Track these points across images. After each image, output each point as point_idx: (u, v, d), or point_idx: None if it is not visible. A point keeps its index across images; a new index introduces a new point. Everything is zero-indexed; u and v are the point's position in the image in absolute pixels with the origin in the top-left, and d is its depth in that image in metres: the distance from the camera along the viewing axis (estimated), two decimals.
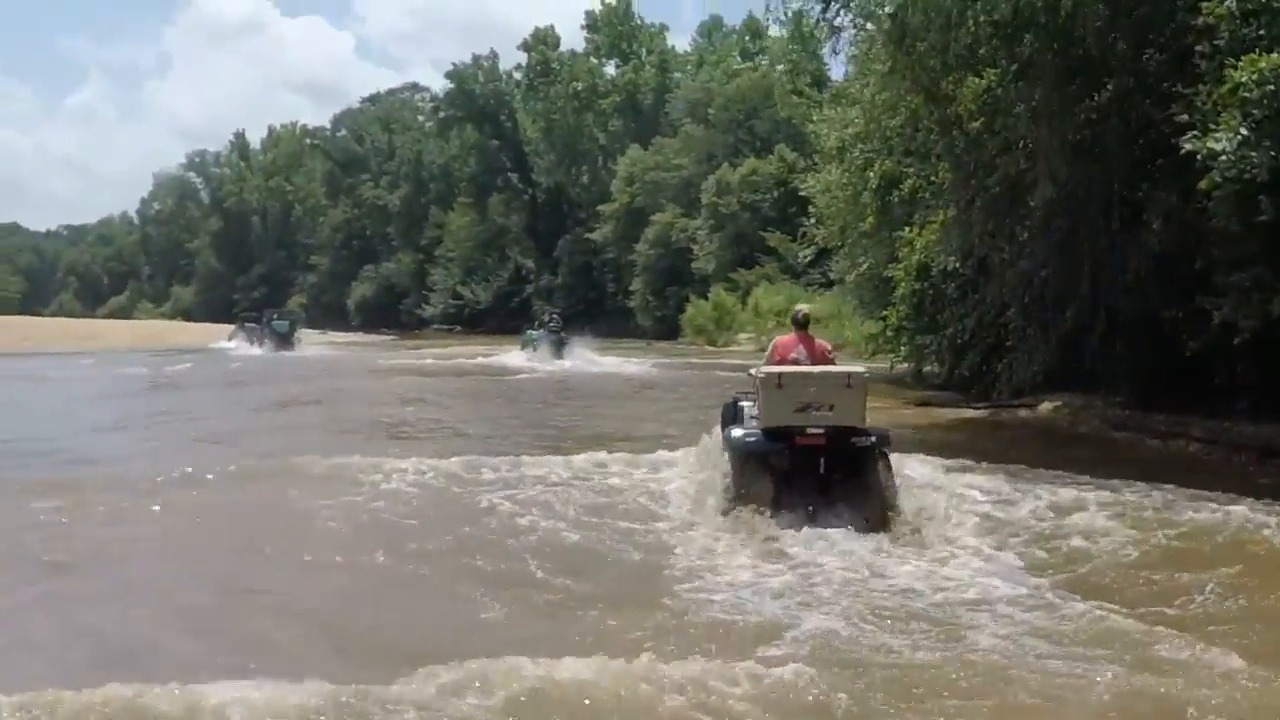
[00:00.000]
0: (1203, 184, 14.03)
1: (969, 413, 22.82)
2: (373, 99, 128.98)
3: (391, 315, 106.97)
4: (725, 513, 11.24)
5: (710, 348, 55.21)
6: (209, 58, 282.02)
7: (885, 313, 28.03)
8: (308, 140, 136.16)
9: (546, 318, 46.49)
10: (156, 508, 12.31)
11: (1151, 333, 17.90)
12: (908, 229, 25.55)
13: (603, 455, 15.20)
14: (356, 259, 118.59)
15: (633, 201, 77.53)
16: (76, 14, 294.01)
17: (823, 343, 12.55)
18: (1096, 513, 11.77)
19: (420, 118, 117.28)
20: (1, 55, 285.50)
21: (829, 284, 53.54)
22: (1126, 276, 17.28)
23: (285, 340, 50.36)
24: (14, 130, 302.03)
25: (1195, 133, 13.97)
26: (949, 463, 14.71)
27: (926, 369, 27.59)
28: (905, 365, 28.90)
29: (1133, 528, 11.13)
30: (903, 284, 25.77)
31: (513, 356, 42.73)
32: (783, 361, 12.01)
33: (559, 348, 41.84)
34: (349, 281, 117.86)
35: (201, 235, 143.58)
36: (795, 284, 56.34)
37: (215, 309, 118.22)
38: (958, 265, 22.58)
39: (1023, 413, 21.83)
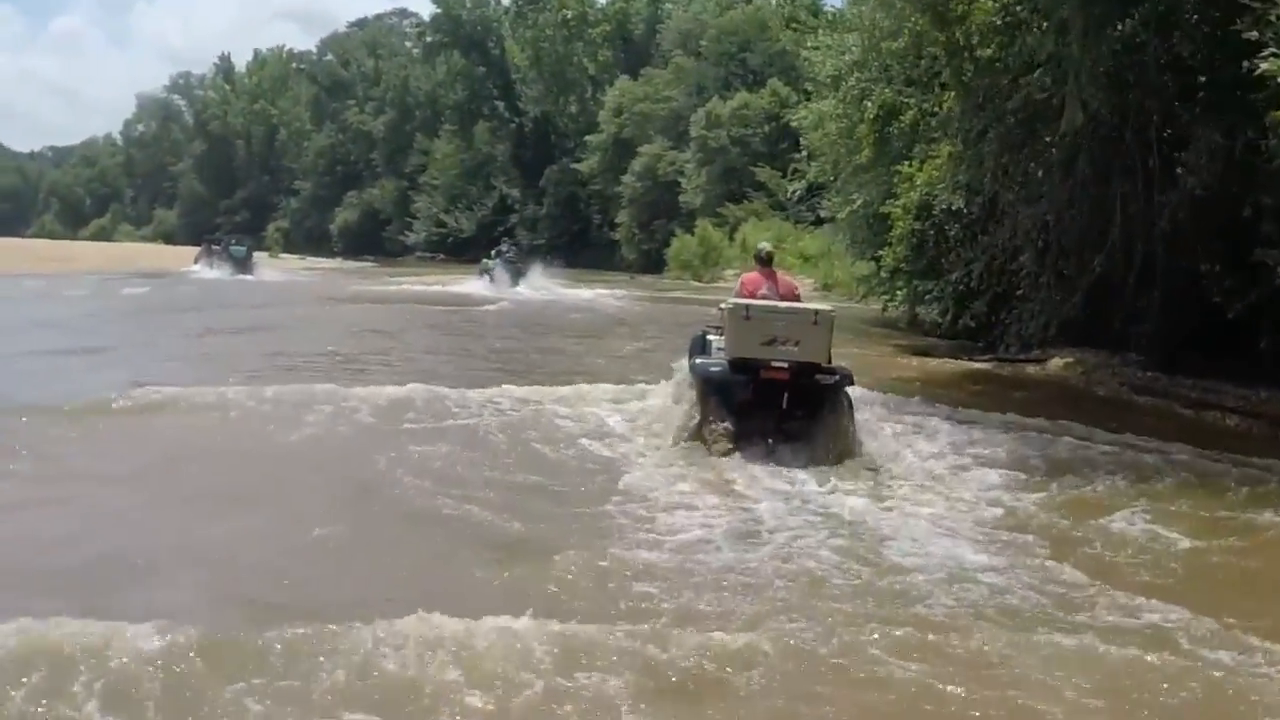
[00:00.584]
0: (1276, 114, 11.89)
1: (971, 365, 20.92)
2: (360, 24, 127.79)
3: (375, 242, 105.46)
4: (685, 439, 11.38)
5: (695, 283, 53.63)
6: None
7: (881, 253, 26.05)
8: (293, 64, 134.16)
9: (504, 247, 47.30)
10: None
11: (1186, 287, 16.02)
12: (907, 164, 23.59)
13: (563, 389, 14.69)
14: (340, 185, 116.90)
15: (620, 133, 75.87)
16: None
17: (788, 279, 12.73)
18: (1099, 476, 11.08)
19: (408, 44, 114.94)
20: None
21: (819, 221, 52.34)
22: (1162, 223, 15.24)
23: (242, 264, 50.49)
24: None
25: (1273, 50, 11.71)
26: (948, 412, 14.23)
27: (925, 315, 25.61)
28: (900, 310, 27.13)
29: (1142, 497, 10.24)
30: (901, 223, 23.64)
31: (469, 284, 42.81)
32: (751, 296, 11.96)
33: (515, 276, 42.36)
34: (333, 208, 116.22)
35: (185, 158, 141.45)
36: (785, 220, 55.02)
37: (198, 232, 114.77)
38: (963, 204, 20.66)
39: (1031, 369, 20.12)
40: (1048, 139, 16.16)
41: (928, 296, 24.22)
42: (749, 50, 69.66)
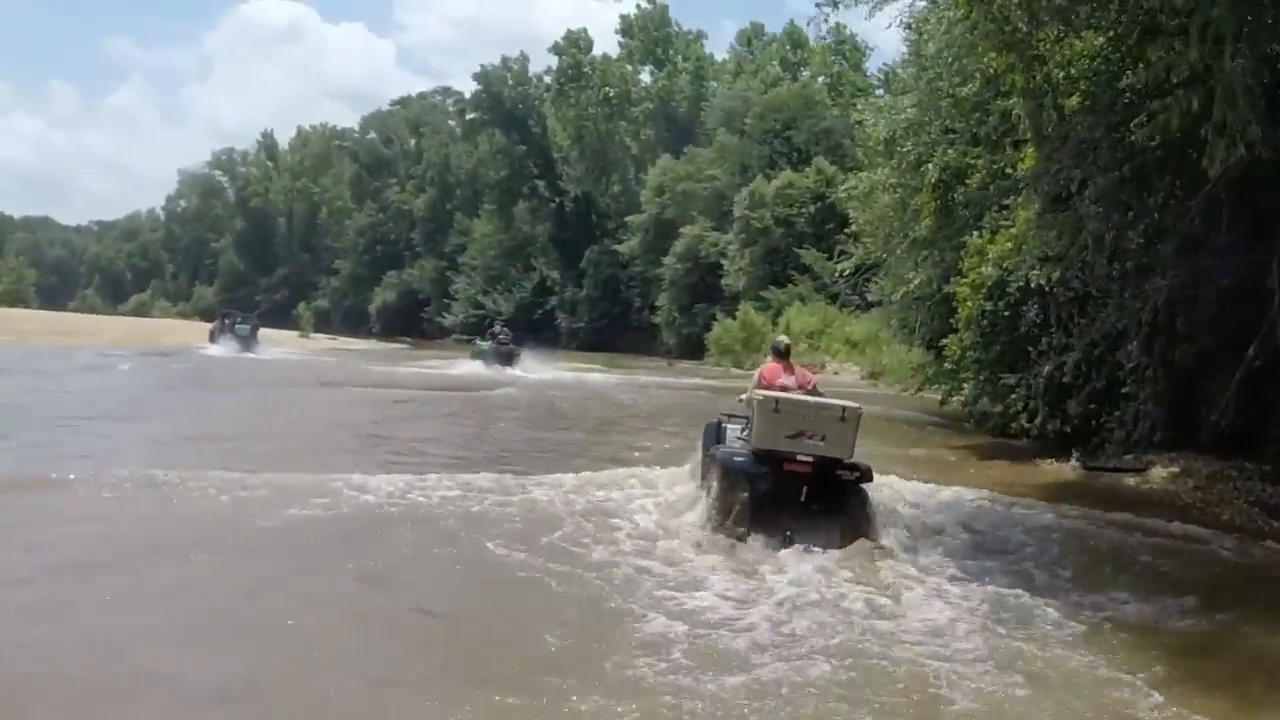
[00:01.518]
0: None
1: (1053, 471, 17.55)
2: (402, 102, 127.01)
3: (413, 323, 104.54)
4: (707, 528, 11.34)
5: (736, 370, 50.91)
6: (250, 63, 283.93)
7: (945, 340, 22.41)
8: (336, 142, 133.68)
9: (496, 329, 48.23)
10: None
11: None
12: (976, 234, 20.60)
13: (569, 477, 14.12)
14: (380, 264, 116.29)
15: (662, 213, 73.79)
16: (120, 16, 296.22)
17: (805, 371, 12.72)
18: None
19: (450, 122, 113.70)
20: (45, 54, 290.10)
21: (866, 305, 50.11)
22: None
23: (245, 342, 50.39)
24: (55, 128, 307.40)
25: None
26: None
27: (992, 410, 21.52)
28: (965, 403, 23.04)
29: None
30: (968, 303, 20.24)
31: (465, 366, 44.21)
32: (771, 388, 11.91)
33: (507, 359, 43.65)
34: (372, 287, 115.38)
35: (225, 235, 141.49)
36: (830, 305, 52.51)
37: (237, 310, 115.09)
38: (1045, 280, 17.12)
39: (1131, 479, 16.28)
40: (1169, 194, 12.89)
41: (1005, 390, 20.10)
42: (794, 128, 67.53)
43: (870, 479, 11.44)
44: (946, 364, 22.78)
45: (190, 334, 59.87)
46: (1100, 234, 13.70)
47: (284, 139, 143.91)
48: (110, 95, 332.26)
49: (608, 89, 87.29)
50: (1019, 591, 9.71)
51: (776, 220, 59.75)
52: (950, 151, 20.70)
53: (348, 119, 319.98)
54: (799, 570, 10.05)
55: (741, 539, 10.93)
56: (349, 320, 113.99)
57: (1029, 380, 18.75)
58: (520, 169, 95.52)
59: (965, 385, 22.01)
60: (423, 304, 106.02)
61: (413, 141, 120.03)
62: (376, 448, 17.69)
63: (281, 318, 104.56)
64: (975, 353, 20.54)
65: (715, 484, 11.59)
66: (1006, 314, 19.13)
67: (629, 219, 79.13)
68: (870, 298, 48.96)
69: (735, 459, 11.52)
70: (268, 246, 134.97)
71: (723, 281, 63.46)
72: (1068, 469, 17.61)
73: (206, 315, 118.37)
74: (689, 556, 10.42)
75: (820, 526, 11.14)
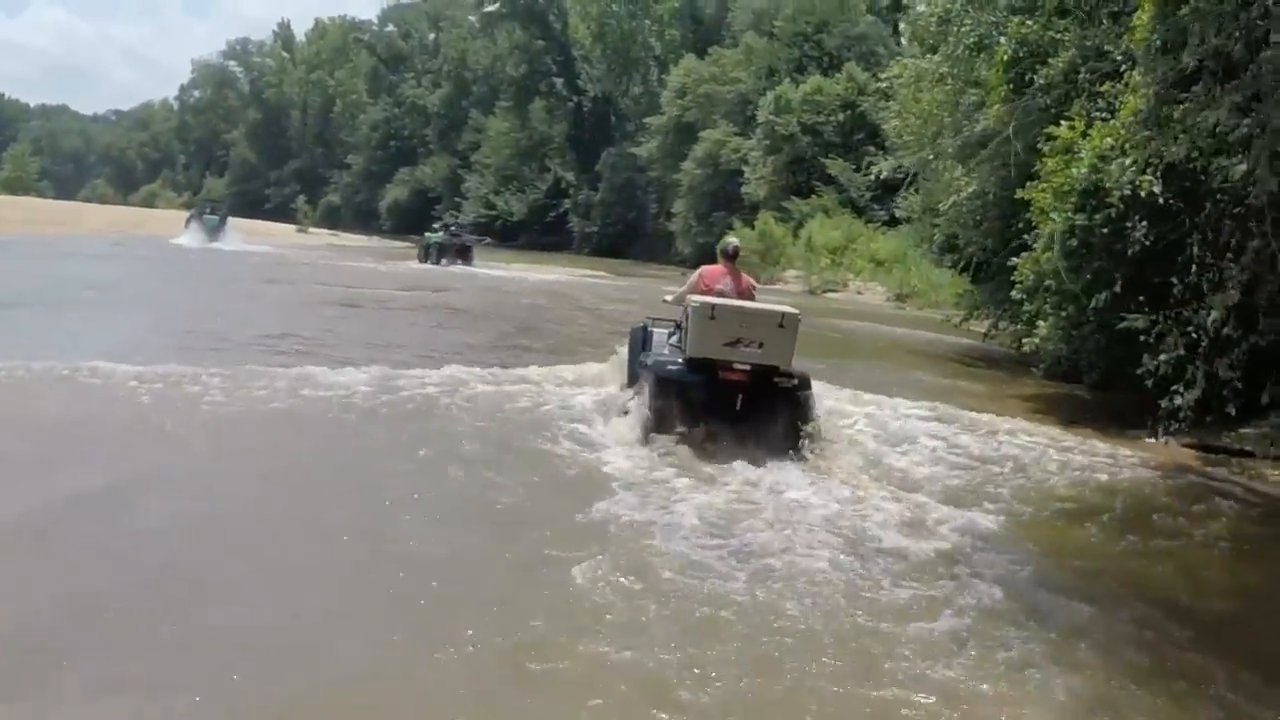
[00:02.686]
0: None
1: (1160, 455, 13.22)
2: None
3: (423, 222, 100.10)
4: (640, 439, 10.96)
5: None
6: None
7: (1019, 263, 16.54)
8: (353, 34, 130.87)
9: (448, 221, 50.69)
10: None
11: None
12: (1066, 124, 15.70)
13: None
14: (393, 160, 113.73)
15: (683, 115, 70.07)
16: None
17: (748, 278, 12.31)
18: None
19: (470, 17, 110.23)
20: None
21: (894, 221, 47.47)
22: None
23: (214, 233, 49.52)
24: (78, 17, 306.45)
25: None
26: None
27: (1059, 353, 16.61)
28: (1046, 341, 16.46)
29: None
30: (1053, 215, 14.98)
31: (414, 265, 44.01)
32: (708, 292, 11.65)
33: (462, 254, 43.95)
34: (383, 184, 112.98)
35: (239, 126, 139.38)
36: (856, 219, 49.51)
37: (247, 203, 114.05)
38: (1157, 189, 12.97)
39: (1274, 473, 12.27)
40: None
41: (1122, 335, 14.25)
42: (826, 31, 64.01)
43: (809, 387, 11.19)
44: (1015, 290, 17.21)
45: (166, 225, 58.19)
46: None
47: (302, 30, 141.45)
48: None
49: None
50: None
51: (803, 127, 56.66)
52: (1030, 23, 17.38)
53: (369, 14, 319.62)
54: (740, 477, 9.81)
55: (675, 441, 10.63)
56: (360, 217, 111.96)
57: (1168, 326, 13.61)
58: (538, 66, 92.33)
59: (1044, 319, 16.14)
60: (433, 202, 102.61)
61: (431, 36, 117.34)
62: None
63: (289, 212, 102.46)
64: (1059, 280, 15.21)
65: (648, 393, 11.21)
66: (1105, 230, 14.24)
67: (648, 120, 75.78)
68: (899, 213, 46.55)
69: (668, 368, 11.20)
70: (280, 140, 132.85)
71: (743, 190, 60.18)
72: (1179, 451, 13.41)
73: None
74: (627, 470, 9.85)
75: (755, 434, 10.86)
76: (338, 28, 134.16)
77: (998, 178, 19.68)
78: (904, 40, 68.22)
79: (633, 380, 12.23)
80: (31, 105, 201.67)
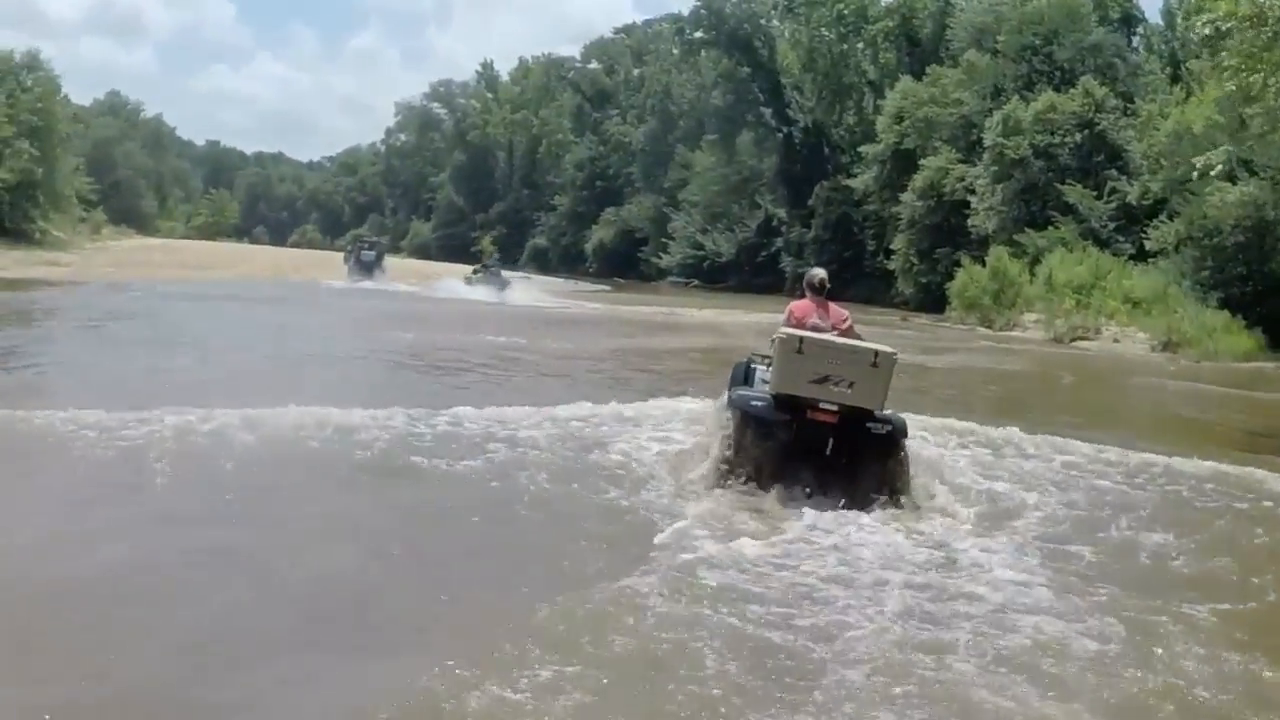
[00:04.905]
0: None
1: None
2: (626, 29, 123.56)
3: (630, 263, 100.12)
4: (717, 480, 10.50)
5: (984, 330, 42.33)
6: (488, 6, 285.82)
7: None
8: (557, 72, 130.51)
9: (489, 260, 53.41)
10: None
11: None
12: None
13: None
14: (598, 200, 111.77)
15: (901, 143, 64.43)
16: None
17: (841, 310, 11.66)
18: None
19: (675, 51, 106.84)
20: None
21: (1143, 255, 42.01)
22: None
23: (368, 270, 50.52)
24: (298, 70, 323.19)
25: None
26: None
27: None
28: None
29: None
30: None
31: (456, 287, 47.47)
32: (800, 326, 11.06)
33: (501, 287, 46.43)
34: (590, 224, 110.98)
35: (444, 169, 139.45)
36: (1101, 253, 43.61)
37: (453, 248, 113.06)
38: None
39: None
40: None
41: None
42: (1056, 43, 58.52)
43: (905, 434, 10.46)
44: None
45: (329, 267, 58.30)
46: None
47: (505, 70, 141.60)
48: (353, 38, 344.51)
49: (842, 6, 78.02)
50: None
51: (1035, 150, 51.35)
52: None
53: (573, 50, 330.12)
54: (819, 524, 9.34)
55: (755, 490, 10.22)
56: (566, 260, 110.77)
57: None
58: (745, 95, 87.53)
59: None
60: (640, 243, 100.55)
61: (635, 71, 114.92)
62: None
63: (500, 255, 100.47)
64: None
65: (730, 429, 10.65)
66: None
67: (863, 149, 70.33)
68: (1149, 244, 41.19)
69: (753, 402, 10.67)
70: (486, 181, 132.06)
71: (969, 222, 54.75)
72: None
73: (423, 254, 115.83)
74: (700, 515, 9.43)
75: (843, 484, 10.26)
76: (541, 66, 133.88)
77: None
78: (1140, 50, 62.62)
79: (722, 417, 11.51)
80: (248, 153, 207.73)
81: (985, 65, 61.68)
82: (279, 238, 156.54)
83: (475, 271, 50.20)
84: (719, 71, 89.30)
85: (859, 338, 11.14)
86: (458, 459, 10.75)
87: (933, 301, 54.45)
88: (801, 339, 10.47)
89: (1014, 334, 39.02)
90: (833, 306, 11.53)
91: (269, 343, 22.72)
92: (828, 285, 11.62)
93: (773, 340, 11.27)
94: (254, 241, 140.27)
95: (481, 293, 44.76)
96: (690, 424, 13.16)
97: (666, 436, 12.73)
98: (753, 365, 11.88)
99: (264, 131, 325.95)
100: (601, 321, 36.34)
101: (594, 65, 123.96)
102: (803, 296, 11.55)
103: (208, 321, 26.90)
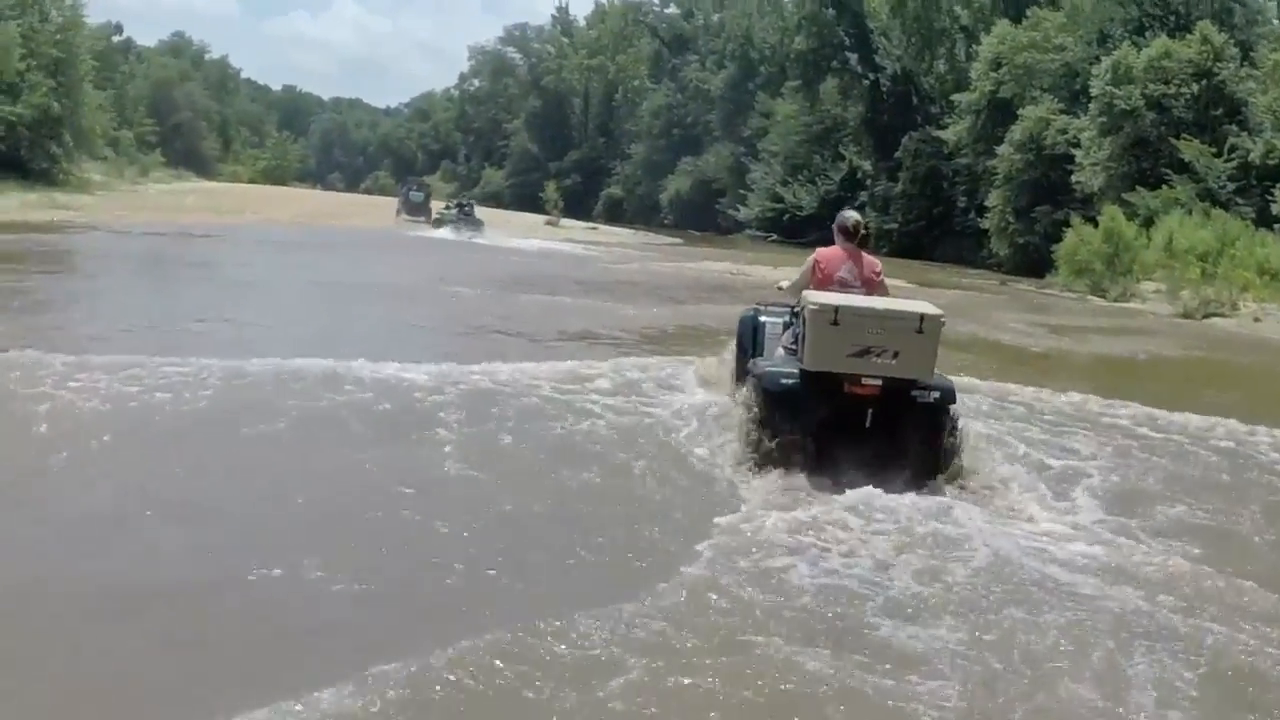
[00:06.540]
0: None
1: None
2: None
3: (707, 216, 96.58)
4: (747, 464, 9.59)
5: (1097, 300, 38.14)
6: None
7: None
8: (635, 16, 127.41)
9: (463, 200, 54.43)
10: None
11: None
12: None
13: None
14: (675, 149, 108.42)
15: (997, 91, 60.35)
16: None
17: (873, 259, 10.67)
18: None
19: None
20: None
21: (1264, 219, 38.22)
22: None
23: (418, 209, 52.83)
24: (375, 14, 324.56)
25: None
26: None
27: None
28: None
29: None
30: None
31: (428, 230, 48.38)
32: (827, 280, 10.13)
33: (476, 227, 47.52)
34: (666, 174, 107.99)
35: (519, 116, 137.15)
36: (1219, 214, 39.75)
37: (525, 197, 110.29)
38: None
39: None
40: None
41: None
42: None
43: (953, 400, 9.47)
44: None
45: (378, 212, 59.86)
46: None
47: (581, 14, 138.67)
48: None
49: None
50: None
51: (1148, 101, 47.18)
52: None
53: None
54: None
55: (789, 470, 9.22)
56: (641, 211, 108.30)
57: None
58: (829, 39, 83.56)
59: None
60: (717, 194, 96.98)
61: (715, 15, 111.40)
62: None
63: (574, 205, 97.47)
64: None
65: (756, 409, 9.64)
66: None
67: (955, 97, 66.63)
68: (1276, 209, 37.51)
69: (782, 381, 9.52)
70: (561, 129, 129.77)
71: (1073, 179, 50.62)
72: None
73: (496, 201, 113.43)
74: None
75: (884, 457, 9.24)
76: (618, 10, 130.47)
77: None
78: None
79: (741, 378, 10.82)
80: (325, 99, 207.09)
81: (1091, 7, 58.09)
82: (353, 183, 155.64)
83: (447, 208, 51.77)
84: (802, 15, 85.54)
85: (887, 292, 10.44)
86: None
87: (1029, 264, 50.64)
88: (837, 309, 9.40)
89: (1132, 305, 35.06)
90: (865, 256, 10.63)
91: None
92: (862, 230, 10.65)
93: (779, 287, 11.08)
94: (326, 188, 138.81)
95: (449, 233, 46.52)
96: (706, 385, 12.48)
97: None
98: (760, 318, 11.26)
99: (341, 77, 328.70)
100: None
101: (673, 9, 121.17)
102: (832, 243, 10.47)
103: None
